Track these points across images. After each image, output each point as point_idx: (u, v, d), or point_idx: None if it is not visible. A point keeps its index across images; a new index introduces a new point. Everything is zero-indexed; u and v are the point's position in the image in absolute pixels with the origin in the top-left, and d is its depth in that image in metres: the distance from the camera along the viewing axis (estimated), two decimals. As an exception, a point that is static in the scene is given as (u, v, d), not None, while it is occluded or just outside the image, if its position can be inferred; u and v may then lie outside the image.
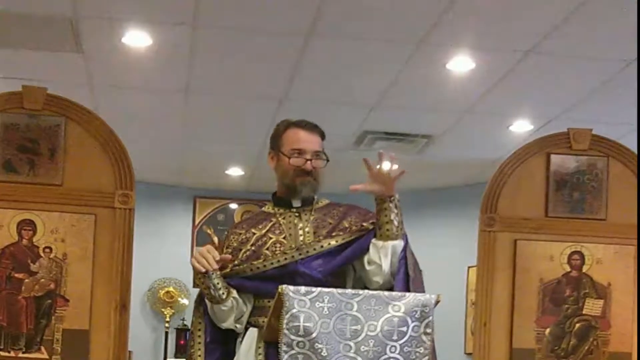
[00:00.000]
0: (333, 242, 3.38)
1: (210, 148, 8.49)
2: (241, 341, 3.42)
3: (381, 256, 3.32)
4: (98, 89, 6.67)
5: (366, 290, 3.11)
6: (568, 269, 4.23)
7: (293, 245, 3.38)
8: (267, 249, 3.39)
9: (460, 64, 5.96)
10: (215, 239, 10.13)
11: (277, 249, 3.39)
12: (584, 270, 4.23)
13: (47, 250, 3.96)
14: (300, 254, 3.35)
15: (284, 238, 3.41)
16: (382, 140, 7.80)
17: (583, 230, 4.24)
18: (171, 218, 10.15)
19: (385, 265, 3.32)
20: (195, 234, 10.18)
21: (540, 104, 6.80)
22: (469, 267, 9.14)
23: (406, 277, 3.31)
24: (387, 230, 3.31)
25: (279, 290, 3.00)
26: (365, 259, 3.37)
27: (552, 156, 4.28)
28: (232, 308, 3.36)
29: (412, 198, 9.46)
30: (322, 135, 3.52)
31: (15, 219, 3.96)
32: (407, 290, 3.27)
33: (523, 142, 4.47)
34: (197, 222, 10.23)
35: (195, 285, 11.19)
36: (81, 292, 3.95)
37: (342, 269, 3.41)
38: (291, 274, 3.30)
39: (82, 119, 4.04)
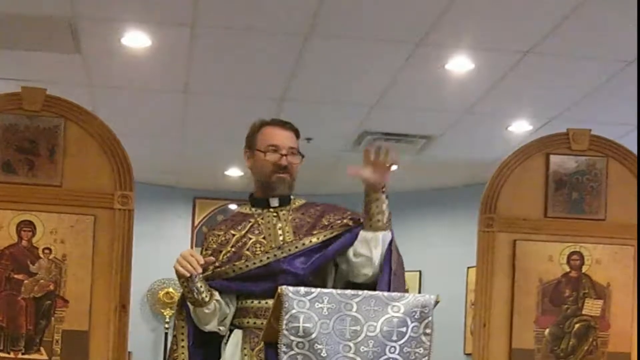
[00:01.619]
0: (314, 240, 3.37)
1: (210, 149, 8.49)
2: (226, 343, 3.41)
3: (371, 247, 3.32)
4: (97, 90, 6.67)
5: (366, 291, 3.10)
6: (567, 269, 4.23)
7: (274, 245, 3.37)
8: (248, 249, 3.38)
9: (460, 64, 5.96)
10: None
11: (258, 249, 3.37)
12: (583, 271, 4.23)
13: (47, 251, 3.96)
14: (282, 253, 3.35)
15: (264, 238, 3.40)
16: (381, 140, 7.80)
17: (582, 231, 4.25)
18: (170, 219, 10.15)
19: (376, 256, 3.32)
20: (195, 235, 10.19)
21: (539, 105, 6.80)
22: (468, 268, 9.14)
23: (389, 271, 3.32)
24: (378, 220, 3.31)
25: (279, 291, 3.00)
26: (351, 252, 3.36)
27: (552, 156, 4.29)
28: (215, 311, 3.35)
29: (412, 198, 9.47)
30: (297, 134, 3.51)
31: (14, 220, 3.96)
32: (389, 284, 3.28)
33: (522, 143, 4.48)
34: (196, 222, 10.23)
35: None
36: (81, 293, 3.95)
37: (322, 268, 3.41)
38: (274, 273, 3.30)
39: (81, 119, 4.05)
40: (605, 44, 5.51)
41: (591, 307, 4.21)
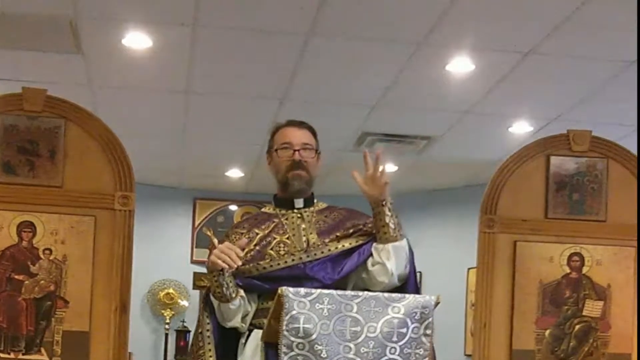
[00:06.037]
0: (340, 246, 3.42)
1: (210, 149, 8.49)
2: (244, 342, 3.42)
3: (383, 259, 3.38)
4: (98, 90, 6.68)
5: (366, 292, 3.12)
6: (568, 270, 4.23)
7: (298, 247, 3.41)
8: (272, 249, 3.42)
9: (460, 65, 5.96)
10: (215, 241, 10.12)
11: (282, 249, 3.41)
12: (583, 272, 4.23)
13: (47, 251, 3.96)
14: (308, 256, 3.39)
15: (288, 238, 3.44)
16: (382, 141, 7.81)
17: (583, 232, 4.24)
18: (171, 219, 10.16)
19: (391, 266, 3.38)
20: (195, 236, 10.19)
21: (540, 105, 6.80)
22: (468, 269, 9.14)
23: (415, 279, 3.43)
24: (385, 233, 3.38)
25: (279, 291, 3.00)
26: (369, 261, 3.42)
27: (552, 158, 4.28)
28: (240, 307, 3.37)
29: (412, 199, 9.47)
30: (312, 131, 3.58)
31: (15, 220, 3.96)
32: (417, 291, 3.36)
33: (523, 143, 4.47)
34: (196, 223, 10.23)
35: (195, 287, 11.12)
36: (81, 293, 3.95)
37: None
38: (299, 277, 3.34)
39: (82, 120, 4.04)
40: (605, 44, 5.52)
41: (592, 308, 4.21)
